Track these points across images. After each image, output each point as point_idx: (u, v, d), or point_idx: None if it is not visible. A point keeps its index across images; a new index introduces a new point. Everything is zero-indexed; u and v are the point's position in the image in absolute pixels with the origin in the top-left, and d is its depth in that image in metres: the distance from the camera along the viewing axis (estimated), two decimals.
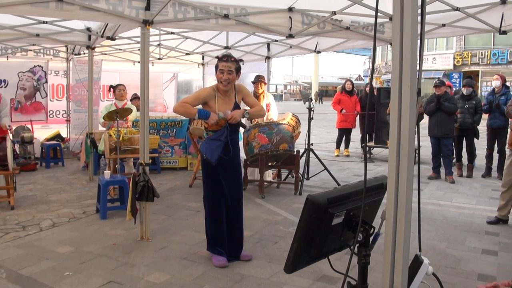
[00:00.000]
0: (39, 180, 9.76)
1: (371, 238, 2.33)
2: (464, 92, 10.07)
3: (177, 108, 5.07)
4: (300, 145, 9.74)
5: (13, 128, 11.14)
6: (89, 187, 8.97)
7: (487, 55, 34.88)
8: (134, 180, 5.78)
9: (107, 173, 7.26)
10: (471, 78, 10.56)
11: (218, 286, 4.63)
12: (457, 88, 31.70)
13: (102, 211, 6.98)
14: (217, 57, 5.20)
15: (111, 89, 9.17)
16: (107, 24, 7.51)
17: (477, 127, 10.36)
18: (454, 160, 10.75)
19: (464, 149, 10.50)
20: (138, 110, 8.66)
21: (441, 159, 9.97)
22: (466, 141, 10.34)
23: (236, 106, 5.20)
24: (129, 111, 8.20)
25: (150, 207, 6.19)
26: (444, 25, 7.53)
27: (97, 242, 5.88)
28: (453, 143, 10.27)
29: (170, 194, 8.51)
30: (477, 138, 10.63)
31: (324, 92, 68.93)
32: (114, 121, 7.89)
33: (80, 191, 8.74)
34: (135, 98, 10.85)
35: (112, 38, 7.74)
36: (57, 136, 12.57)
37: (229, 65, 5.02)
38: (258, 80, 9.07)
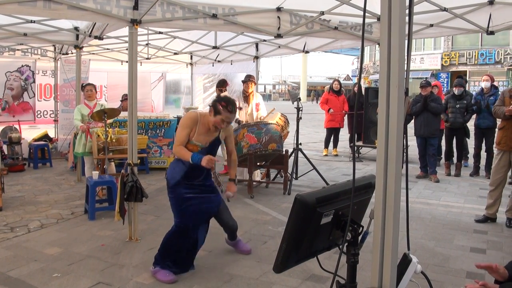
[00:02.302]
0: (27, 181, 9.70)
1: (359, 237, 2.34)
2: (456, 92, 10.12)
3: (175, 152, 4.83)
4: (288, 144, 9.74)
5: (1, 128, 11.10)
6: (77, 188, 8.93)
7: (475, 55, 35.15)
8: (122, 181, 5.76)
9: (95, 174, 7.23)
10: (461, 78, 10.61)
11: (207, 286, 4.62)
12: (446, 88, 31.95)
13: (91, 212, 6.95)
14: (220, 101, 4.78)
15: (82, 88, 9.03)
16: (95, 23, 7.48)
17: (468, 126, 10.43)
18: (443, 160, 10.83)
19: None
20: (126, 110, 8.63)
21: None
22: (457, 140, 10.40)
23: (217, 141, 4.99)
24: (119, 111, 8.17)
25: (139, 208, 6.17)
26: (432, 25, 7.57)
27: (85, 243, 5.86)
28: (438, 142, 10.34)
29: (159, 194, 8.48)
30: (468, 137, 10.69)
31: (315, 92, 69.38)
32: (102, 122, 7.87)
33: (68, 191, 8.70)
34: (125, 99, 10.78)
35: (100, 38, 7.71)
36: (45, 137, 12.51)
37: (232, 116, 4.80)
38: (249, 79, 9.06)
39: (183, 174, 4.81)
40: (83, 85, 8.96)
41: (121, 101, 9.65)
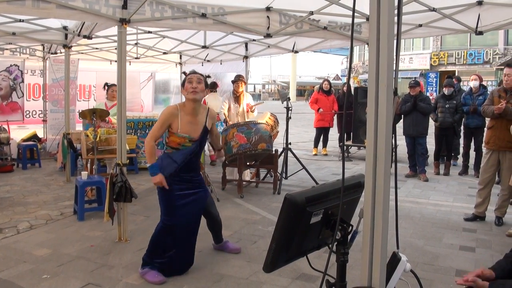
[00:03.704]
0: (15, 181, 9.64)
1: (349, 236, 2.34)
2: (446, 92, 10.19)
3: (145, 146, 4.79)
4: (278, 144, 9.76)
5: None
6: (66, 188, 8.89)
7: (464, 55, 35.38)
8: (111, 181, 5.73)
9: (84, 174, 7.20)
10: (451, 78, 10.67)
11: (197, 286, 4.62)
12: (434, 88, 32.11)
13: (80, 213, 6.92)
14: (184, 72, 5.04)
15: (105, 87, 9.18)
16: (84, 22, 7.45)
17: (457, 127, 10.50)
18: (431, 158, 10.91)
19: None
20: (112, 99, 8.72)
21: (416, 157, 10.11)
22: (446, 140, 10.46)
23: (205, 131, 4.96)
24: (107, 112, 8.19)
25: (128, 208, 6.15)
26: (420, 25, 7.61)
27: (75, 244, 5.84)
28: (426, 142, 10.43)
29: (148, 194, 8.46)
30: (458, 137, 10.74)
31: (309, 92, 69.54)
32: (90, 121, 7.87)
33: (57, 192, 8.66)
34: (110, 87, 10.64)
35: (89, 37, 7.68)
36: (34, 137, 12.43)
37: (197, 75, 4.83)
38: (239, 79, 9.07)
39: (174, 169, 4.78)
40: (109, 84, 9.02)
41: (106, 90, 9.45)
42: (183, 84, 4.88)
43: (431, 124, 10.39)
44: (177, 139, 4.76)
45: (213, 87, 10.63)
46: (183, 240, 4.91)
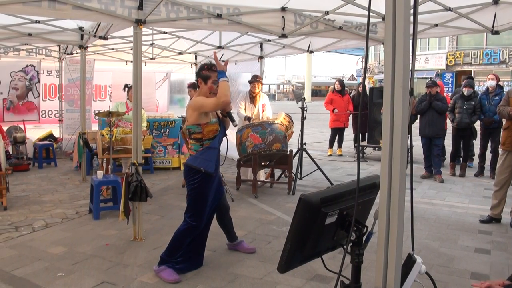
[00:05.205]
0: (31, 180, 9.72)
1: (364, 238, 2.33)
2: (465, 93, 10.06)
3: (222, 99, 4.59)
4: (293, 144, 9.74)
5: (5, 128, 11.13)
6: (82, 187, 8.94)
7: (480, 55, 35.10)
8: (127, 180, 5.76)
9: (100, 173, 7.24)
10: (472, 78, 10.57)
11: (212, 286, 4.62)
12: (450, 88, 31.89)
13: (95, 212, 6.96)
14: (202, 69, 4.93)
15: (126, 89, 9.23)
16: (100, 23, 7.49)
17: (475, 127, 10.41)
18: (447, 160, 10.83)
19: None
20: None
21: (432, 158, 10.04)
22: (463, 141, 10.38)
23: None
24: (122, 113, 8.25)
25: (143, 207, 6.18)
26: (436, 25, 7.55)
27: (90, 243, 5.87)
28: (444, 143, 10.34)
29: (163, 194, 8.49)
30: (474, 138, 10.66)
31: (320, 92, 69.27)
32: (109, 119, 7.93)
33: (73, 191, 8.71)
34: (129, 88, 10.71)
35: (104, 38, 7.71)
36: (50, 136, 12.53)
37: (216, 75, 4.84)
38: (256, 80, 9.04)
39: (216, 158, 4.87)
40: (129, 86, 9.08)
41: (127, 92, 9.51)
42: (205, 77, 4.86)
43: (449, 125, 10.32)
44: (213, 126, 4.82)
45: (195, 87, 10.47)
46: (200, 239, 5.05)
